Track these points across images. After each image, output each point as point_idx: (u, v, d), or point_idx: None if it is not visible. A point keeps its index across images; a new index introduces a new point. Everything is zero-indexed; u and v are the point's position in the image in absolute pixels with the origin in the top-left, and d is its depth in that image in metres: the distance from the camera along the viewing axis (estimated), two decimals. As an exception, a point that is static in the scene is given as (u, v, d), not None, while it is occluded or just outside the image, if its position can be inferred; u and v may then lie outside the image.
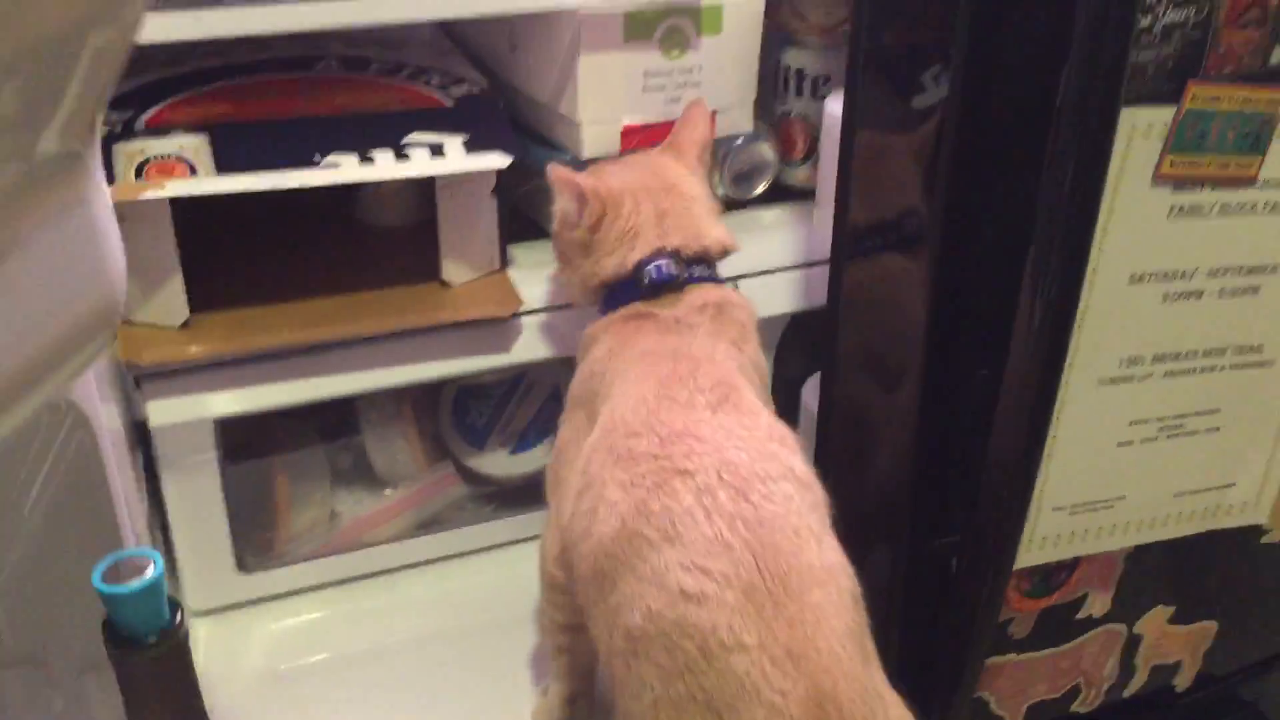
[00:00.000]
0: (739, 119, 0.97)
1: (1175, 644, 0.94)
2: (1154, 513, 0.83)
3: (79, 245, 0.44)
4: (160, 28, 0.74)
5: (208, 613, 0.94)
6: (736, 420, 0.68)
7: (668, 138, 0.88)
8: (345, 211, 0.99)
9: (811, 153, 1.05)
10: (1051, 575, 0.83)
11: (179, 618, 0.50)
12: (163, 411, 0.84)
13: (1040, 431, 0.72)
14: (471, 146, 0.84)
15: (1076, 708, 0.93)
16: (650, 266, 0.78)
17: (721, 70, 0.93)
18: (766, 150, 1.02)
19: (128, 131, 0.81)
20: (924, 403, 0.77)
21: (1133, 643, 0.92)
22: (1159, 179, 0.69)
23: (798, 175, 1.06)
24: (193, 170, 0.78)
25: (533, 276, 0.93)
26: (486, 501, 1.04)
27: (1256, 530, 0.89)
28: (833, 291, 0.83)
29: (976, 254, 0.72)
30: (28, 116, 0.39)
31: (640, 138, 0.91)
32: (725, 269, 0.83)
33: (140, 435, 0.86)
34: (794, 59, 1.02)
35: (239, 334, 0.84)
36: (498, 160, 0.84)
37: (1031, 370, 0.70)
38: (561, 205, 0.81)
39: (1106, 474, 0.79)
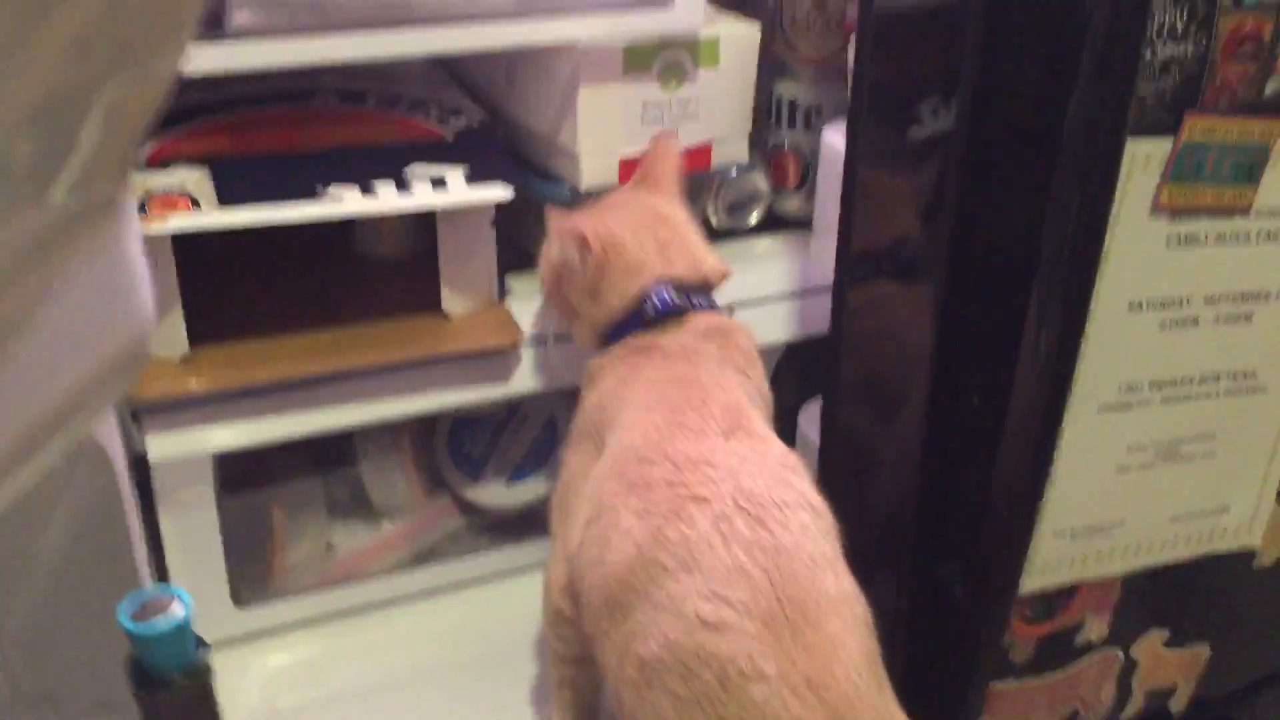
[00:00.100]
0: (734, 150, 0.98)
1: (1170, 668, 0.95)
2: (1152, 537, 0.84)
3: (112, 285, 0.44)
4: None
5: (203, 648, 0.93)
6: (749, 447, 0.68)
7: (638, 173, 0.88)
8: (342, 242, 0.99)
9: (803, 182, 1.06)
10: (1053, 600, 0.83)
11: (205, 656, 0.49)
12: (162, 446, 0.83)
13: (1045, 458, 0.73)
14: (472, 178, 0.84)
15: (1075, 732, 0.93)
16: (654, 297, 0.78)
17: (718, 102, 0.94)
18: (760, 180, 1.03)
19: (128, 165, 0.80)
20: (927, 429, 0.78)
21: (1129, 667, 0.92)
22: (1157, 209, 0.71)
23: (790, 204, 1.07)
24: (195, 204, 0.78)
25: (529, 307, 0.93)
26: (483, 532, 1.04)
27: (1248, 554, 0.90)
28: (835, 319, 0.84)
29: (979, 281, 0.73)
30: (45, 170, 0.38)
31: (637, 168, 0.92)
32: (723, 298, 0.84)
33: (136, 469, 0.85)
34: (787, 90, 1.04)
35: (239, 367, 0.84)
36: (499, 192, 0.84)
37: (1036, 397, 0.71)
38: (563, 254, 0.80)
39: (1106, 499, 0.80)
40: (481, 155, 0.88)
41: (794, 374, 1.02)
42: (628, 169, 0.91)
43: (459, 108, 0.94)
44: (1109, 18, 0.60)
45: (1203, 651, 0.96)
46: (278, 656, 0.95)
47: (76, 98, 0.38)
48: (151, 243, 0.77)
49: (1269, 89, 0.69)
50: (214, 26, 0.74)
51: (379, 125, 0.89)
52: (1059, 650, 0.87)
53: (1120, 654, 0.91)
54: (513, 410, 1.02)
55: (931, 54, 0.72)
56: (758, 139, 1.03)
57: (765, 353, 0.90)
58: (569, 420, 0.98)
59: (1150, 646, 0.93)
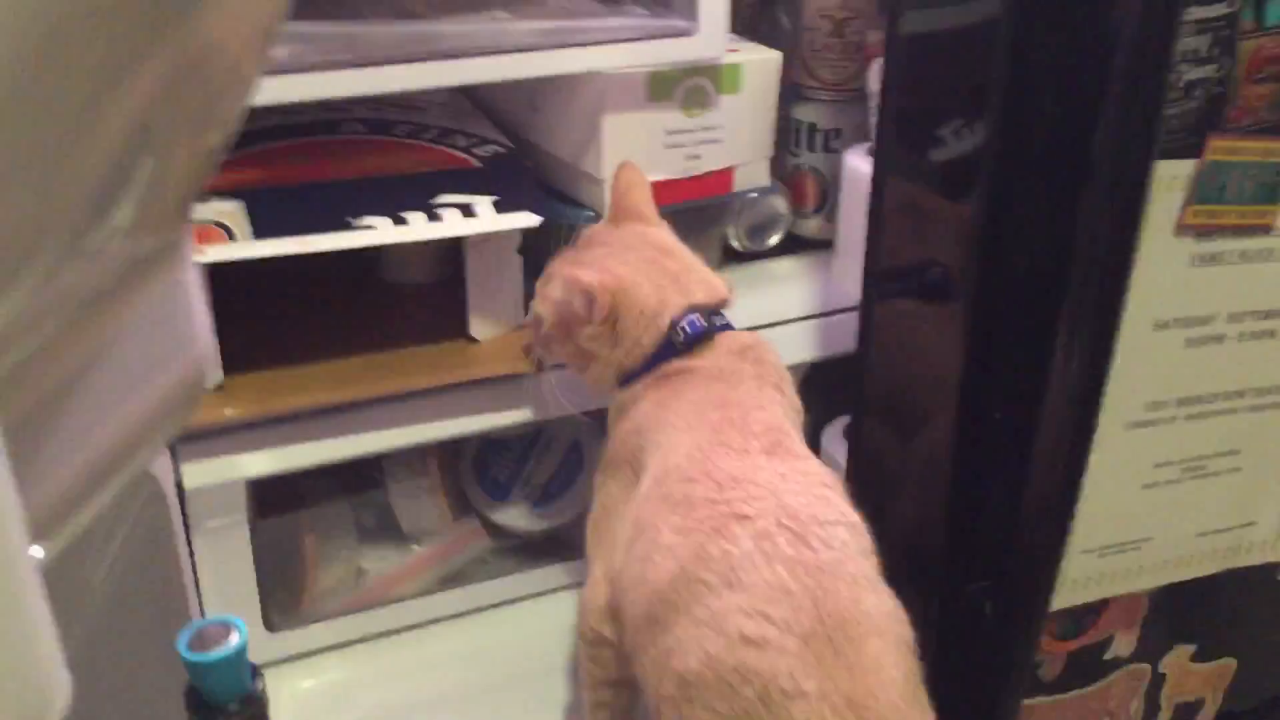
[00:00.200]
0: (756, 173, 0.99)
1: (1197, 682, 0.96)
2: (1178, 553, 0.85)
3: (174, 322, 0.45)
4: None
5: (237, 674, 0.94)
6: (790, 465, 0.69)
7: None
8: (370, 270, 1.00)
9: (823, 204, 1.07)
10: (1082, 617, 0.84)
11: (260, 684, 0.50)
12: (197, 474, 0.84)
13: (1076, 475, 0.74)
14: (501, 206, 0.85)
15: (1104, 748, 0.94)
16: (684, 323, 0.79)
17: (740, 127, 0.95)
18: (780, 203, 1.04)
19: (162, 198, 0.82)
20: (954, 447, 0.79)
21: (1157, 682, 0.93)
22: (1181, 229, 0.72)
23: (809, 226, 1.09)
24: (230, 235, 0.79)
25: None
26: (510, 555, 1.05)
27: (1274, 568, 0.91)
28: (862, 338, 0.85)
29: (1007, 301, 0.74)
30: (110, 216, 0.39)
31: (661, 194, 0.93)
32: (746, 320, 0.85)
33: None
34: (805, 114, 1.05)
35: (273, 395, 0.85)
36: (528, 219, 0.85)
37: (1067, 416, 0.72)
38: (569, 303, 0.78)
39: (1133, 516, 0.81)
40: (509, 182, 0.89)
41: (816, 393, 1.03)
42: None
43: (486, 136, 0.95)
44: (1136, 42, 0.61)
45: (1230, 665, 0.96)
46: (309, 680, 0.95)
47: (136, 160, 0.39)
48: (188, 274, 0.78)
49: (1290, 109, 0.70)
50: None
51: (408, 154, 0.91)
52: (1088, 666, 0.88)
53: (1148, 669, 0.91)
54: (538, 434, 1.03)
55: (959, 76, 0.73)
56: (777, 162, 1.04)
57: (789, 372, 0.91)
58: (594, 444, 0.99)
59: (1178, 661, 0.93)
